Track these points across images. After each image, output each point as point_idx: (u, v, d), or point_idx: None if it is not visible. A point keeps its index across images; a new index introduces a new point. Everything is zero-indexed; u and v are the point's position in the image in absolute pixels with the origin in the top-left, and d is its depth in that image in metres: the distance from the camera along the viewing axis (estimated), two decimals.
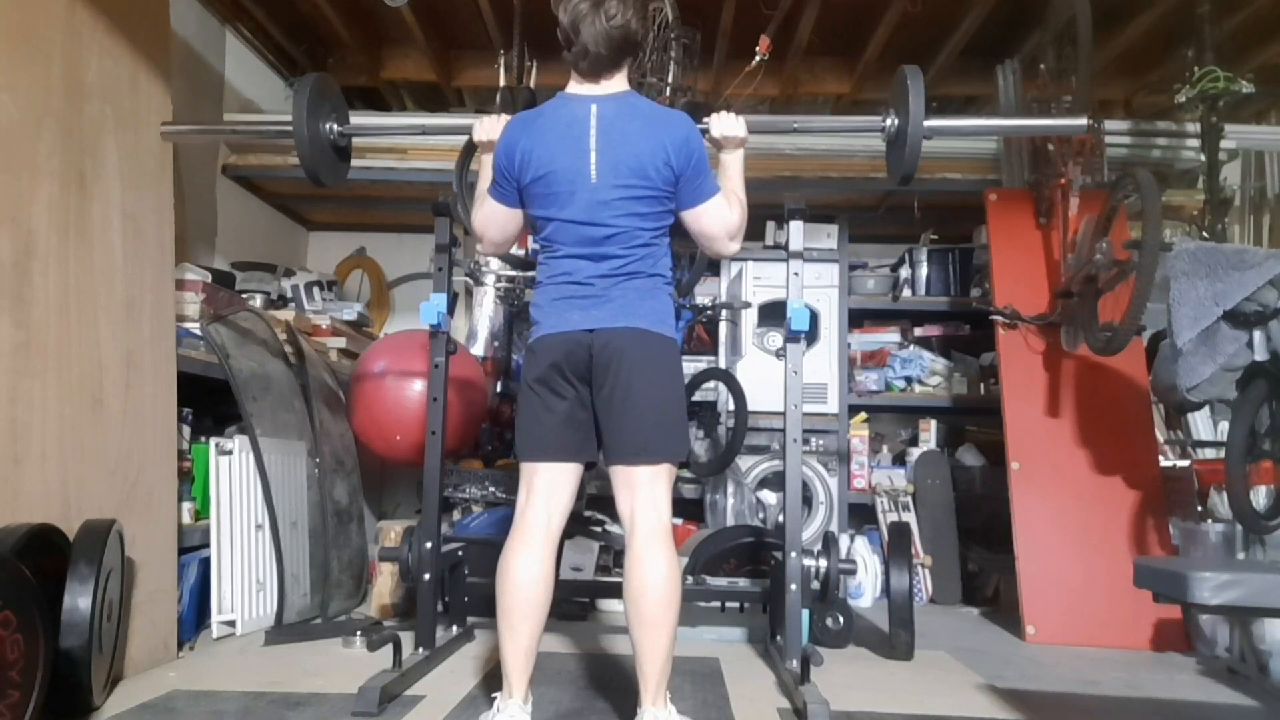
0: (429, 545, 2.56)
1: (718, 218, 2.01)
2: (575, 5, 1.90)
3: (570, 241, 1.96)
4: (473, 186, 3.37)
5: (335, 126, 2.34)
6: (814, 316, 4.15)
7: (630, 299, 1.94)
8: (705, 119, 2.09)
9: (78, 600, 1.94)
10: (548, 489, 1.96)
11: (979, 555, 3.97)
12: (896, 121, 2.23)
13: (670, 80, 3.34)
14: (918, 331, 4.62)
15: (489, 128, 2.12)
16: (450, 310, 2.63)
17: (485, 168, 2.12)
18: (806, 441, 3.96)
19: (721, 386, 4.15)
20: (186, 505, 2.83)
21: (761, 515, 4.16)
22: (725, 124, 2.07)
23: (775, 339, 4.21)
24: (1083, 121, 2.36)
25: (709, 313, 4.05)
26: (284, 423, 3.14)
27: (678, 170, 1.93)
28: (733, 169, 2.09)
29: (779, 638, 2.63)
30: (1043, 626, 3.15)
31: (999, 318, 3.59)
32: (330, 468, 3.29)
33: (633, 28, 1.93)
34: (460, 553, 2.91)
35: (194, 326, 2.96)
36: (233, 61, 4.19)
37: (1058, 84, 3.65)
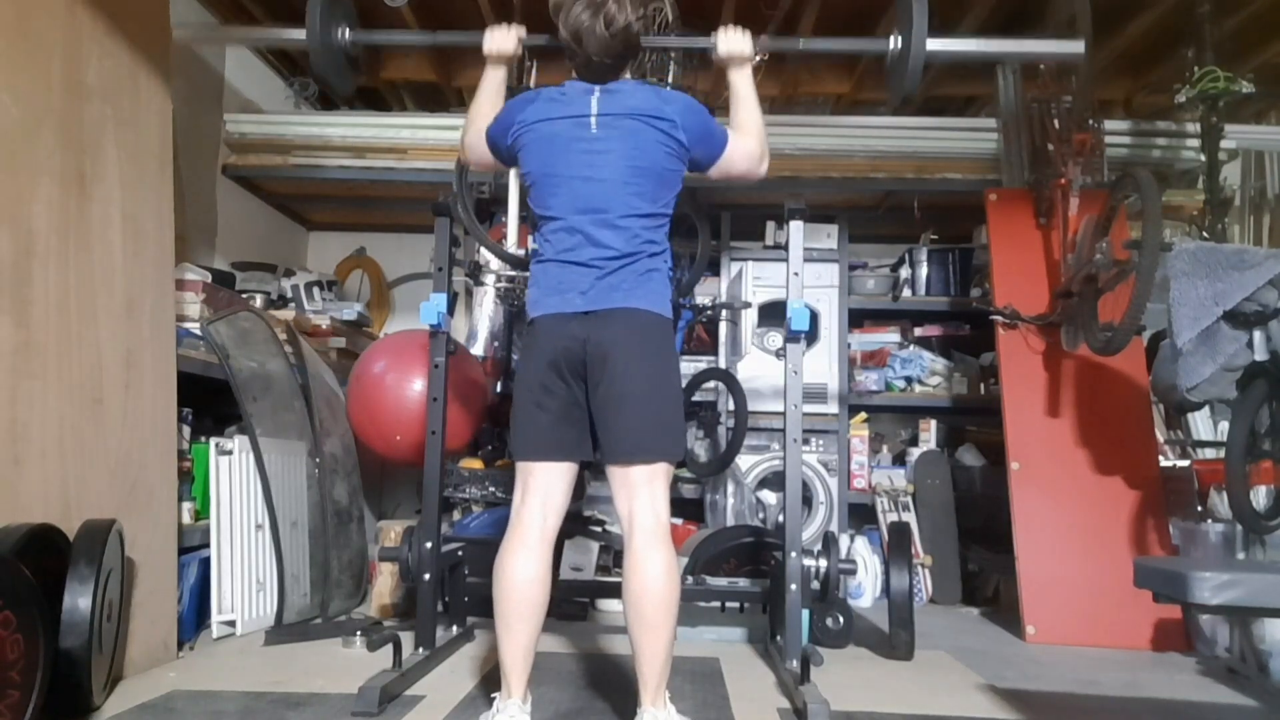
0: (429, 545, 2.56)
1: (741, 155, 2.04)
2: (576, 16, 1.91)
3: (570, 209, 1.96)
4: (473, 187, 3.37)
5: (348, 33, 2.35)
6: (814, 316, 4.15)
7: (630, 281, 1.93)
8: (712, 33, 2.10)
9: (78, 600, 1.94)
10: (543, 489, 1.95)
11: (979, 555, 3.97)
12: (900, 42, 2.23)
13: (670, 80, 3.34)
14: (918, 331, 4.63)
15: (500, 39, 2.14)
16: (450, 310, 2.63)
17: (487, 81, 2.15)
18: (806, 441, 3.97)
19: (721, 386, 4.16)
20: (186, 505, 2.83)
21: (761, 515, 4.16)
22: (732, 40, 2.08)
23: (775, 339, 4.21)
24: (1080, 46, 2.37)
25: (709, 313, 4.05)
26: (284, 423, 3.14)
27: (679, 143, 1.95)
28: (743, 87, 2.10)
29: (779, 638, 2.63)
30: (1043, 626, 3.15)
31: (999, 318, 3.59)
32: (330, 468, 3.29)
33: (634, 30, 1.95)
34: (460, 553, 2.91)
35: (194, 326, 2.96)
36: (233, 61, 4.20)
37: (1058, 84, 3.66)
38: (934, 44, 2.19)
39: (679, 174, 2.02)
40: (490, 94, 2.14)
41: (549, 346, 1.94)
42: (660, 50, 3.30)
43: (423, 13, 3.95)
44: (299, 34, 2.27)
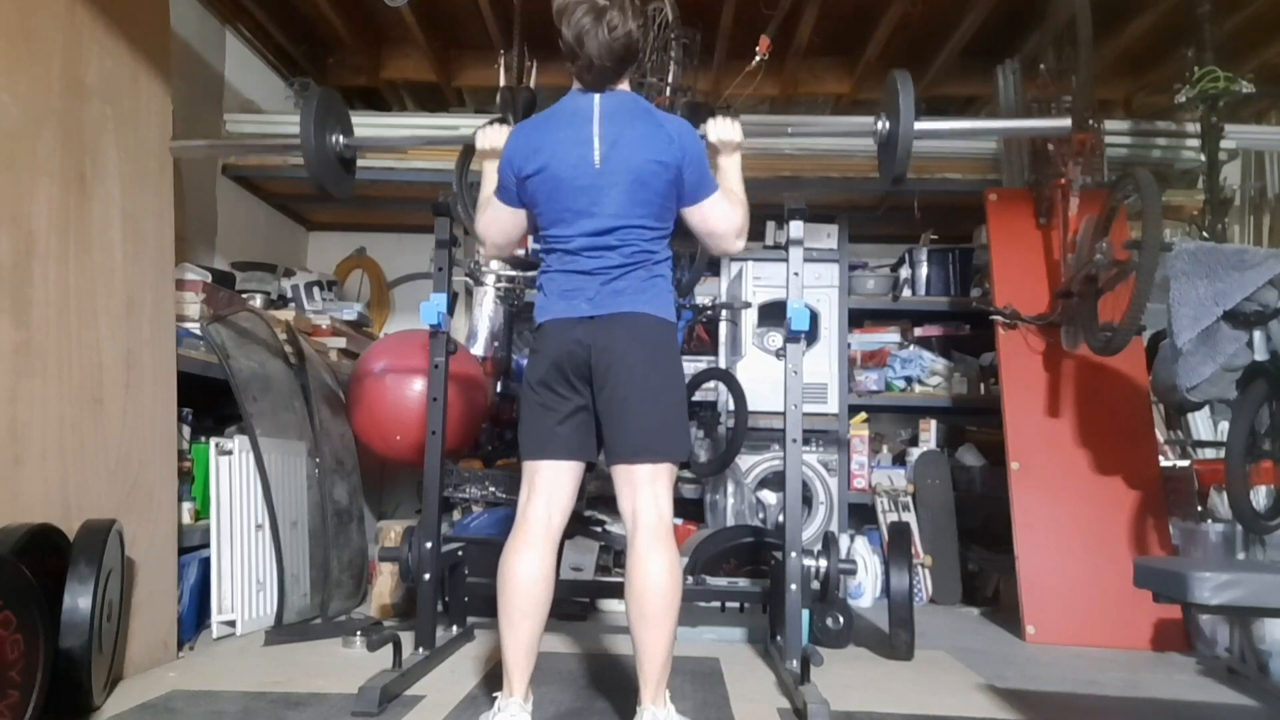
0: (429, 545, 2.56)
1: (721, 214, 2.04)
2: (578, 20, 1.92)
3: (575, 232, 1.97)
4: (474, 186, 3.38)
5: (341, 139, 2.42)
6: (814, 316, 4.15)
7: (635, 286, 1.96)
8: (701, 125, 2.12)
9: (78, 600, 1.94)
10: (549, 488, 1.98)
11: (979, 555, 3.97)
12: (888, 125, 2.25)
13: (670, 80, 3.34)
14: (918, 331, 4.63)
15: (492, 136, 2.16)
16: (450, 310, 2.63)
17: (488, 173, 2.15)
18: (806, 441, 3.97)
19: (721, 386, 4.16)
20: (186, 505, 2.83)
21: (761, 515, 4.15)
22: (722, 128, 2.11)
23: (775, 339, 4.21)
24: (1066, 123, 2.42)
25: (709, 313, 4.05)
26: (284, 423, 3.14)
27: (677, 161, 1.95)
28: (731, 173, 2.12)
29: (779, 638, 2.63)
30: (1043, 626, 3.15)
31: (999, 318, 3.59)
32: (330, 468, 3.29)
33: (634, 37, 1.97)
34: (460, 553, 2.91)
35: (194, 326, 2.96)
36: (233, 61, 4.19)
37: (1058, 84, 3.65)
38: (922, 126, 2.21)
39: (675, 201, 2.04)
40: (492, 184, 2.13)
41: (555, 350, 1.97)
42: (660, 50, 3.30)
43: (423, 12, 3.96)
44: (293, 142, 2.35)
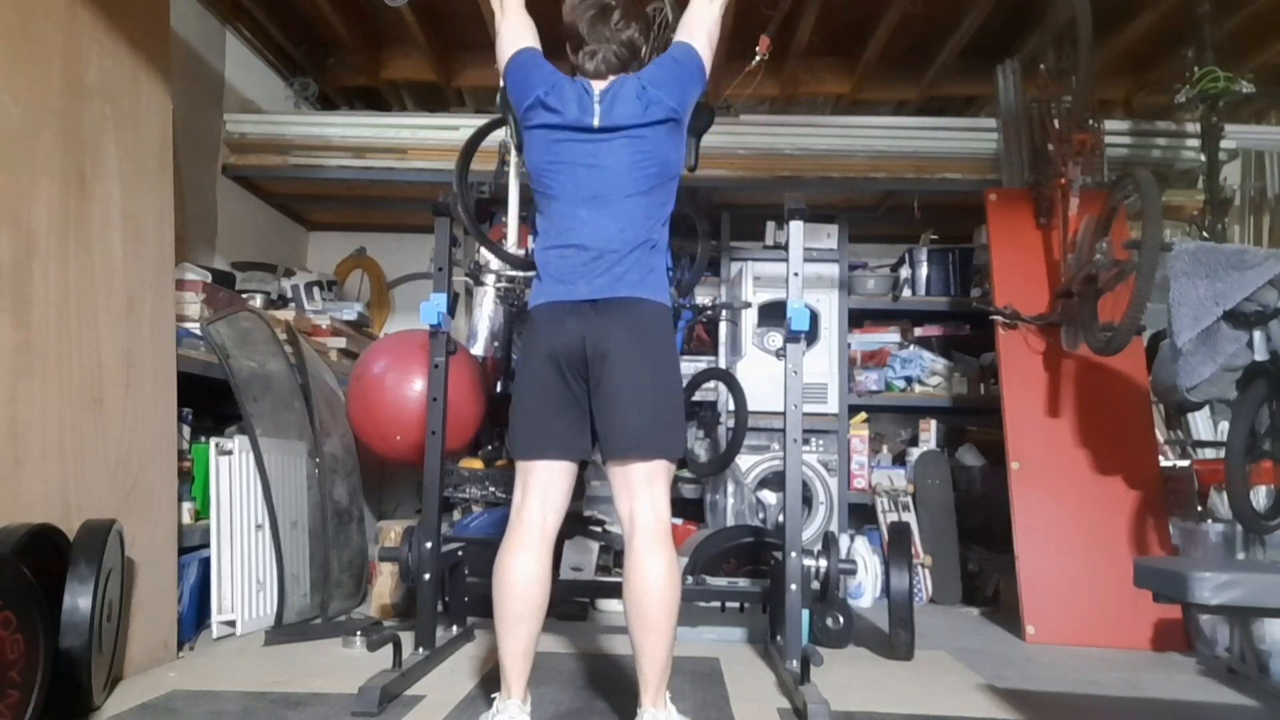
0: (429, 545, 2.56)
1: (705, 34, 2.11)
2: (584, 13, 2.00)
3: (572, 191, 1.98)
4: (474, 186, 3.38)
5: None
6: (814, 316, 4.15)
7: (635, 273, 1.96)
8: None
9: (78, 600, 1.94)
10: (543, 488, 1.96)
11: (979, 555, 3.97)
12: None
13: None
14: (918, 331, 4.63)
15: None
16: (450, 310, 2.63)
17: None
18: (806, 441, 3.97)
19: (721, 386, 4.15)
20: (186, 505, 2.83)
21: (761, 515, 4.16)
22: None
23: (775, 339, 4.21)
24: None
25: (709, 313, 4.04)
26: (284, 423, 3.14)
27: (668, 95, 2.00)
28: None
29: (779, 638, 2.63)
30: (1043, 626, 3.15)
31: (999, 318, 3.59)
32: (330, 468, 3.29)
33: (636, 40, 2.05)
34: (460, 553, 2.91)
35: (194, 326, 2.96)
36: (233, 61, 4.20)
37: (1058, 84, 3.66)
38: None
39: (681, 142, 2.06)
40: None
41: (549, 342, 1.95)
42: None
43: (423, 12, 3.96)
44: None
